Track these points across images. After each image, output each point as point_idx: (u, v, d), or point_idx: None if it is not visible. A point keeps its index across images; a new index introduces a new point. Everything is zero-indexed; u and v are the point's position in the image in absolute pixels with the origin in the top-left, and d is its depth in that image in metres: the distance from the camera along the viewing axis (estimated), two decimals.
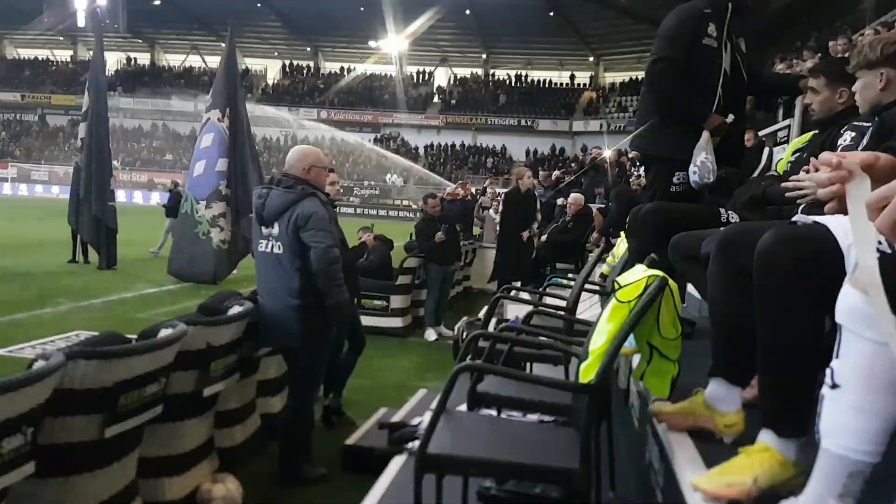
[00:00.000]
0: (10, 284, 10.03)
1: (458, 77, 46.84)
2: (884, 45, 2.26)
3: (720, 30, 3.64)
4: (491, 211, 14.70)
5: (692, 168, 3.52)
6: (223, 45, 13.66)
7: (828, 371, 1.43)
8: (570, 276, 6.49)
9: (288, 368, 4.48)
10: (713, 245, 2.14)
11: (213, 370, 3.68)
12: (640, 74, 29.63)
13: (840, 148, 2.54)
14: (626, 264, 3.54)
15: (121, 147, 40.14)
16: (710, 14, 3.63)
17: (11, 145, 45.16)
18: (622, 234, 5.77)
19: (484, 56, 45.59)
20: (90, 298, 9.43)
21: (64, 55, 49.83)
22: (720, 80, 3.61)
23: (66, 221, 12.37)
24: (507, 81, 45.70)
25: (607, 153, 14.82)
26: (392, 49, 44.02)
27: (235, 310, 3.97)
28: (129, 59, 49.41)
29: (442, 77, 47.17)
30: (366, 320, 6.17)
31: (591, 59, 43.85)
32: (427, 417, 2.53)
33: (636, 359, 2.54)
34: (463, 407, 2.54)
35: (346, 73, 47.51)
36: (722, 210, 3.24)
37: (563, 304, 4.20)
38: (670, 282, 2.21)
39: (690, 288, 3.78)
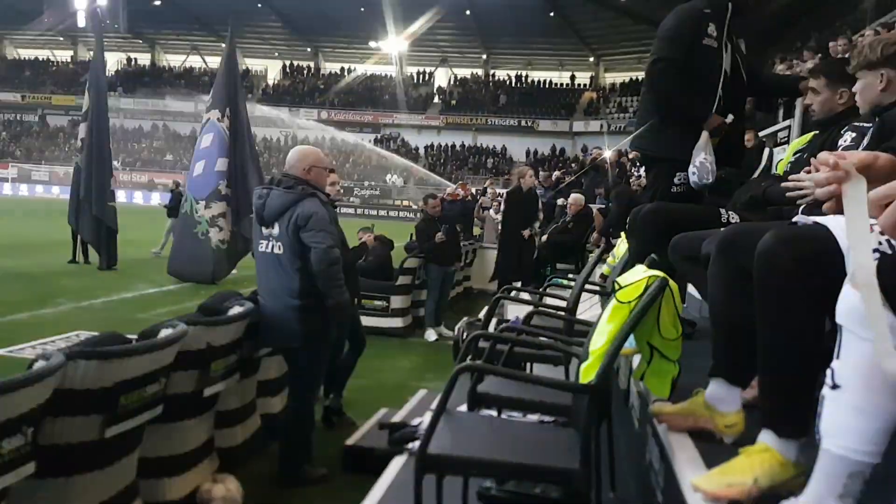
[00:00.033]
0: (10, 285, 10.04)
1: (459, 77, 46.85)
2: (884, 46, 2.26)
3: (720, 30, 3.63)
4: (491, 211, 14.70)
5: (691, 169, 3.52)
6: (223, 45, 13.67)
7: (828, 372, 1.43)
8: (570, 276, 6.50)
9: (288, 369, 4.48)
10: (713, 245, 2.14)
11: (214, 370, 3.68)
12: (641, 75, 29.57)
13: (841, 148, 2.54)
14: (627, 265, 3.54)
15: (121, 147, 40.13)
16: (709, 14, 3.62)
17: (12, 145, 45.18)
18: (622, 234, 5.77)
19: (484, 56, 45.61)
20: (90, 299, 9.43)
21: (64, 55, 49.86)
22: (720, 80, 3.61)
23: (66, 222, 12.37)
24: (508, 82, 45.71)
25: (607, 153, 14.84)
26: (392, 49, 44.03)
27: (236, 310, 3.97)
28: (129, 60, 49.43)
29: (442, 77, 47.18)
30: (366, 321, 6.18)
31: (592, 59, 43.85)
32: (427, 418, 2.53)
33: (636, 359, 2.54)
34: (463, 407, 2.54)
35: (346, 73, 47.53)
36: (722, 210, 3.24)
37: (563, 304, 4.20)
38: (671, 282, 2.21)
39: (691, 288, 3.78)
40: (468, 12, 39.83)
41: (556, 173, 15.67)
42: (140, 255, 13.60)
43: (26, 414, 2.33)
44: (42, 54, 49.67)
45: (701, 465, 1.88)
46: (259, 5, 41.67)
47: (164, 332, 3.22)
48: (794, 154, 3.31)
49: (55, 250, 13.16)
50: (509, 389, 2.63)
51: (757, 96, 5.81)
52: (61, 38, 47.67)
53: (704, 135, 3.53)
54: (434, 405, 2.11)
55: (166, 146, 44.57)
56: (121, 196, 17.36)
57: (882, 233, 1.40)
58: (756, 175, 5.59)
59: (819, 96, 2.94)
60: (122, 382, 2.84)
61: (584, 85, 44.62)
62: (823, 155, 1.36)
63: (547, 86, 45.22)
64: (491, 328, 3.84)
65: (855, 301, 1.33)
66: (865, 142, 2.27)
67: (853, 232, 1.29)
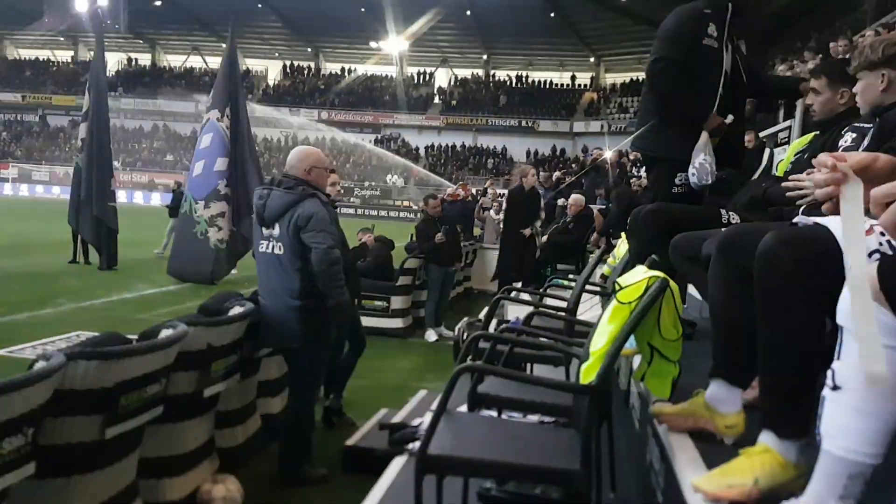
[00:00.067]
0: (10, 285, 10.04)
1: (459, 78, 46.85)
2: (885, 46, 2.26)
3: (720, 30, 3.64)
4: (491, 212, 14.69)
5: (690, 170, 3.52)
6: (224, 45, 13.69)
7: (829, 373, 1.43)
8: (570, 277, 6.49)
9: (288, 369, 4.48)
10: (714, 246, 2.14)
11: (214, 371, 3.68)
12: (641, 75, 29.56)
13: (841, 149, 2.54)
14: (627, 265, 3.54)
15: (121, 148, 40.18)
16: (710, 14, 3.63)
17: (12, 146, 45.19)
18: (623, 235, 5.77)
19: (484, 57, 45.61)
20: (91, 299, 9.43)
21: (65, 56, 49.87)
22: (721, 80, 3.61)
23: (66, 222, 12.36)
24: (508, 82, 45.70)
25: (608, 154, 14.84)
26: (393, 50, 44.04)
27: (236, 310, 3.97)
28: (129, 60, 49.45)
29: (442, 78, 47.18)
30: (366, 321, 6.17)
31: (592, 59, 43.86)
32: (427, 418, 2.53)
33: (637, 360, 2.54)
34: (463, 408, 2.54)
35: (346, 73, 47.54)
36: (722, 211, 3.24)
37: (563, 305, 4.20)
38: (671, 283, 2.21)
39: (691, 289, 3.78)
40: (469, 13, 39.83)
41: (557, 174, 15.68)
42: (140, 256, 13.60)
43: (27, 414, 2.33)
44: (43, 54, 49.67)
45: (701, 466, 1.88)
46: (259, 5, 41.68)
47: (165, 333, 3.22)
48: (795, 155, 3.31)
49: (55, 250, 13.16)
50: (510, 390, 2.63)
51: (757, 97, 5.82)
52: (62, 39, 47.69)
53: (704, 135, 3.53)
54: (434, 406, 2.11)
55: (166, 146, 44.58)
56: (121, 196, 17.34)
57: (883, 233, 1.41)
58: (756, 176, 5.60)
59: (820, 96, 2.94)
60: (123, 383, 2.84)
61: (585, 85, 44.62)
62: (822, 157, 1.36)
63: (547, 86, 45.22)
64: (491, 329, 3.84)
65: None
66: (866, 142, 2.27)
67: (848, 234, 1.30)
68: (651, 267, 2.35)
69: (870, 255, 1.47)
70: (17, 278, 10.63)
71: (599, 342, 2.17)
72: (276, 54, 48.40)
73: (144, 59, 49.70)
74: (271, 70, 48.90)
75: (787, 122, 8.99)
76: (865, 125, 2.46)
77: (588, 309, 4.75)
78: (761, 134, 9.06)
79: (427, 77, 47.13)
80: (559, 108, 42.93)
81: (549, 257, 9.39)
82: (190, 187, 11.55)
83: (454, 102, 44.84)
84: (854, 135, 2.56)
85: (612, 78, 43.92)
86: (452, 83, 46.91)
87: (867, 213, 1.33)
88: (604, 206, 11.43)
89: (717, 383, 2.09)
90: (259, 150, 31.51)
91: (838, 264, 1.51)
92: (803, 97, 3.80)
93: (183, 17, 43.95)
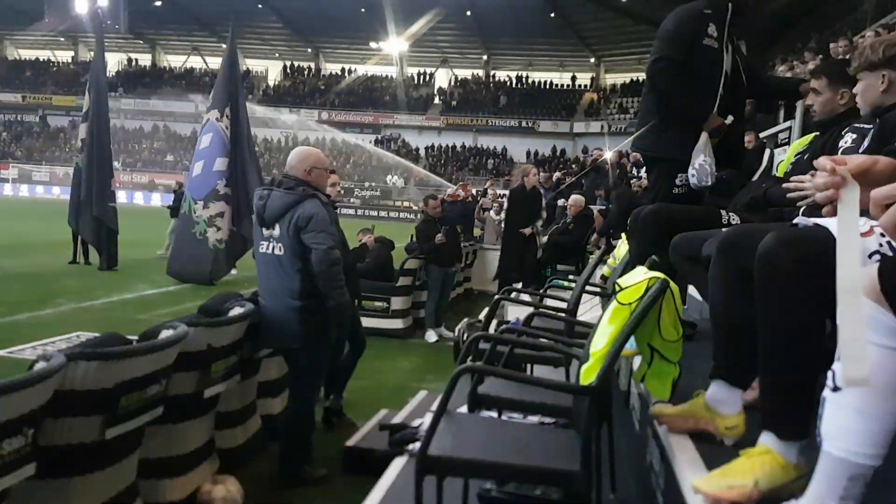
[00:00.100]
0: (10, 285, 10.04)
1: (459, 78, 46.85)
2: (885, 47, 2.26)
3: (721, 30, 3.64)
4: (492, 212, 14.71)
5: (690, 171, 3.52)
6: (224, 46, 13.69)
7: (829, 374, 1.43)
8: (570, 277, 6.50)
9: (289, 370, 4.48)
10: (714, 246, 2.14)
11: (214, 371, 3.68)
12: (641, 76, 29.52)
13: (841, 150, 2.54)
14: (627, 266, 3.54)
15: (121, 148, 40.19)
16: (710, 14, 3.63)
17: (13, 146, 45.19)
18: (623, 235, 5.77)
19: (485, 57, 45.62)
20: (91, 299, 9.43)
21: (65, 56, 49.88)
22: (721, 80, 3.61)
23: (66, 223, 12.36)
24: (508, 83, 45.70)
25: (608, 154, 14.83)
26: (393, 50, 44.05)
27: (236, 311, 3.97)
28: (129, 60, 49.45)
29: (443, 78, 47.18)
30: (366, 322, 6.17)
31: (592, 60, 43.86)
32: (427, 419, 2.53)
33: (637, 361, 2.54)
34: (464, 409, 2.54)
35: (346, 74, 47.55)
36: (723, 212, 3.24)
37: (563, 305, 4.20)
38: (671, 284, 2.20)
39: (691, 290, 3.78)
40: (469, 13, 39.83)
41: (557, 174, 15.67)
42: (141, 256, 13.59)
43: (27, 415, 2.33)
44: (43, 55, 49.68)
45: (701, 467, 1.88)
46: (260, 6, 41.68)
47: (165, 334, 3.22)
48: (795, 156, 3.31)
49: (56, 251, 13.16)
50: (510, 391, 2.63)
51: (757, 98, 5.82)
52: (62, 39, 47.70)
53: (704, 136, 3.53)
54: (434, 406, 2.11)
55: (167, 147, 44.59)
56: (121, 197, 17.35)
57: (883, 234, 1.41)
58: (756, 176, 5.60)
59: (820, 97, 2.94)
60: (123, 383, 2.84)
61: (585, 86, 44.61)
62: (822, 160, 1.37)
63: (547, 87, 45.22)
64: (491, 329, 3.84)
65: None
66: (866, 143, 2.27)
67: (842, 237, 1.31)
68: (651, 268, 2.35)
69: (870, 255, 1.47)
70: (17, 279, 10.63)
71: (599, 343, 2.17)
72: (277, 55, 48.40)
73: (145, 60, 49.70)
74: (271, 70, 48.91)
75: (788, 123, 8.98)
76: (865, 126, 2.46)
77: (588, 310, 4.74)
78: (761, 134, 9.06)
79: (427, 77, 47.13)
80: (559, 109, 42.93)
81: (549, 258, 9.40)
82: (189, 188, 11.57)
83: (454, 103, 44.85)
84: (854, 135, 2.56)
85: (613, 78, 43.92)
86: (452, 83, 46.92)
87: (868, 214, 1.33)
88: (604, 207, 11.43)
89: (717, 384, 2.09)
90: (259, 150, 31.55)
91: None
92: (803, 98, 3.80)
93: (183, 18, 43.96)
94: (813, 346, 1.67)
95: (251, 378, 4.43)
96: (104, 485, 2.89)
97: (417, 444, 2.08)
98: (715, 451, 1.97)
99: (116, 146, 28.64)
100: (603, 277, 6.27)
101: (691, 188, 3.58)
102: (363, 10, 39.99)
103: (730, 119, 3.58)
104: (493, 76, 46.40)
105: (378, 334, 7.69)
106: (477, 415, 2.54)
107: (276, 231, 4.00)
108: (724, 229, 2.62)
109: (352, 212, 34.49)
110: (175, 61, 49.63)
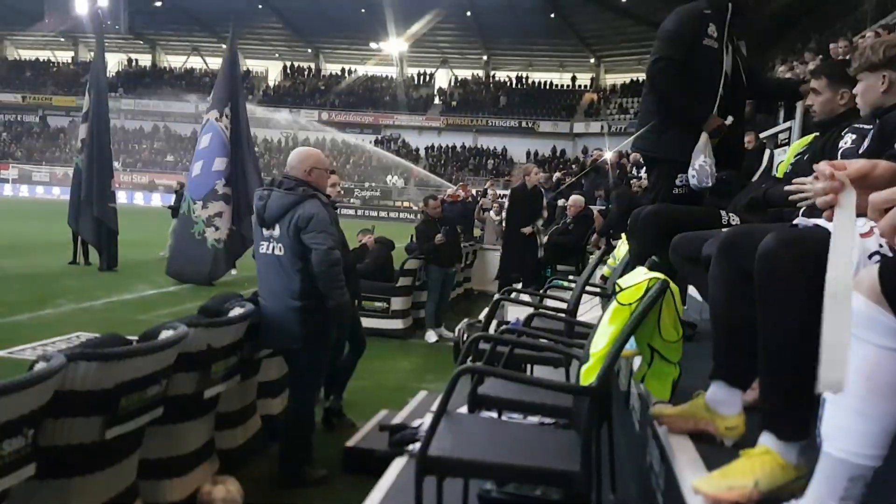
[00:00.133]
0: (10, 285, 10.04)
1: (459, 78, 46.86)
2: (886, 48, 2.26)
3: (721, 31, 3.64)
4: (492, 213, 14.70)
5: (690, 171, 3.53)
6: (224, 46, 13.69)
7: None
8: (570, 278, 6.50)
9: (289, 370, 4.48)
10: (714, 247, 2.14)
11: (214, 372, 3.68)
12: (641, 76, 29.58)
13: (841, 150, 2.54)
14: (627, 266, 3.54)
15: (122, 148, 40.18)
16: (710, 15, 3.63)
17: (13, 146, 45.20)
18: (623, 236, 5.77)
19: (485, 57, 45.62)
20: (91, 300, 9.43)
21: (65, 56, 49.88)
22: (721, 81, 3.61)
23: (66, 223, 12.36)
24: (508, 83, 45.72)
25: (608, 155, 14.82)
26: (393, 50, 44.07)
27: (236, 311, 3.97)
28: (130, 61, 49.46)
29: (443, 78, 47.19)
30: (366, 322, 6.17)
31: (592, 60, 43.87)
32: (427, 419, 2.53)
33: (637, 361, 2.54)
34: (464, 409, 2.54)
35: (346, 74, 47.57)
36: (723, 212, 3.24)
37: (563, 306, 4.20)
38: (671, 284, 2.20)
39: (691, 290, 3.78)
40: (469, 13, 39.84)
41: (557, 174, 15.66)
42: (141, 257, 13.59)
43: (27, 415, 2.33)
44: (43, 55, 49.68)
45: (701, 468, 1.88)
46: (260, 6, 41.70)
47: (165, 334, 3.22)
48: (795, 156, 3.31)
49: (55, 251, 13.16)
50: (510, 391, 2.63)
51: (757, 99, 5.83)
52: (62, 39, 47.70)
53: (704, 136, 3.53)
54: (434, 407, 2.11)
55: (167, 147, 44.59)
56: (121, 197, 17.36)
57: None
58: (756, 177, 5.60)
59: (820, 97, 2.94)
60: (123, 384, 2.84)
61: (585, 86, 44.63)
62: (821, 165, 1.37)
63: (547, 87, 45.24)
64: (491, 330, 3.84)
65: (857, 304, 1.33)
66: (866, 144, 2.27)
67: (836, 241, 1.31)
68: (651, 268, 2.35)
69: (870, 256, 1.47)
70: (17, 279, 10.63)
71: (600, 343, 2.17)
72: (277, 55, 48.41)
73: (145, 60, 49.71)
74: (272, 71, 48.91)
75: (788, 124, 8.98)
76: (865, 126, 2.46)
77: (588, 310, 4.75)
78: (761, 135, 9.07)
79: (427, 78, 47.14)
80: (559, 109, 42.94)
81: (548, 258, 9.40)
82: (189, 188, 11.60)
83: (454, 103, 44.86)
84: (854, 136, 2.55)
85: (613, 79, 43.94)
86: (452, 84, 46.93)
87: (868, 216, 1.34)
88: (604, 207, 11.42)
89: (717, 385, 2.09)
90: (259, 150, 31.57)
91: None
92: (803, 99, 3.80)
93: (183, 18, 43.97)
94: (813, 347, 1.66)
95: (251, 378, 4.43)
96: (104, 485, 2.89)
97: (417, 445, 2.08)
98: (715, 451, 1.97)
99: (116, 146, 28.66)
100: (603, 278, 6.27)
101: (691, 189, 3.58)
102: (363, 10, 40.01)
103: (730, 120, 3.58)
104: (493, 76, 46.41)
105: (378, 335, 7.69)
106: (477, 415, 2.54)
107: (277, 231, 4.00)
108: (724, 230, 2.62)
109: (352, 212, 34.50)
110: (175, 62, 49.64)
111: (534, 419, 2.94)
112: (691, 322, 3.67)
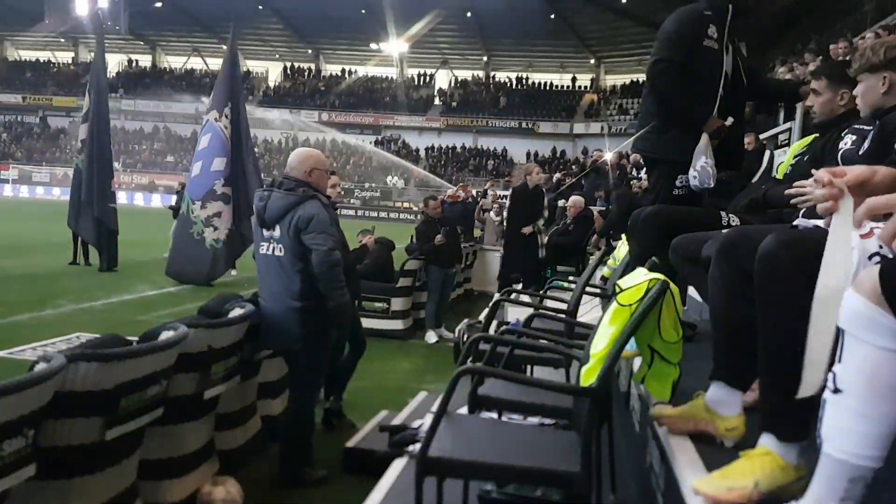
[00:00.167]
0: (10, 286, 10.04)
1: (459, 79, 46.87)
2: (886, 49, 2.26)
3: (721, 32, 3.64)
4: (492, 213, 14.71)
5: (692, 172, 3.52)
6: (224, 47, 13.70)
7: (830, 376, 1.43)
8: (570, 278, 6.50)
9: (289, 371, 4.48)
10: (714, 248, 2.14)
11: (214, 372, 3.68)
12: (641, 77, 29.62)
13: (841, 151, 2.54)
14: (628, 267, 3.54)
15: (122, 149, 40.18)
16: (710, 16, 3.63)
17: (13, 147, 45.20)
18: (623, 236, 5.76)
19: (485, 58, 45.63)
20: (91, 300, 9.43)
21: (65, 57, 49.87)
22: (721, 82, 3.61)
23: (66, 223, 12.36)
24: (508, 84, 45.73)
25: (608, 156, 14.81)
26: (393, 51, 44.08)
27: (236, 312, 3.97)
28: (130, 61, 49.47)
29: (443, 79, 47.20)
30: (366, 322, 6.17)
31: (592, 61, 43.89)
32: (428, 420, 2.53)
33: (637, 362, 2.54)
34: (464, 410, 2.54)
35: (347, 75, 47.58)
36: (723, 213, 3.24)
37: (564, 307, 4.20)
38: (671, 285, 2.20)
39: (691, 291, 3.78)
40: (469, 14, 39.85)
41: (557, 175, 15.66)
42: (141, 257, 13.59)
43: (27, 416, 2.33)
44: (43, 56, 49.69)
45: (701, 468, 1.88)
46: (260, 7, 41.72)
47: (165, 335, 3.22)
48: (794, 157, 3.31)
49: (55, 252, 13.17)
50: (510, 392, 2.63)
51: (757, 100, 5.83)
52: (62, 40, 47.70)
53: (704, 137, 3.53)
54: (434, 407, 2.11)
55: (167, 148, 44.60)
56: (121, 198, 17.37)
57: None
58: (756, 178, 5.60)
59: (820, 97, 2.94)
60: (123, 384, 2.84)
61: (585, 87, 44.64)
62: (821, 173, 1.38)
63: (548, 88, 45.25)
64: (491, 330, 3.84)
65: (857, 305, 1.33)
66: (866, 145, 2.27)
67: (830, 247, 1.32)
68: (651, 269, 2.35)
69: (870, 257, 1.47)
70: (17, 279, 10.63)
71: (600, 344, 2.17)
72: (277, 56, 48.42)
73: (145, 61, 49.71)
74: (272, 71, 48.91)
75: (788, 124, 8.99)
76: (865, 127, 2.46)
77: (588, 311, 4.75)
78: (761, 136, 9.06)
79: (427, 78, 47.15)
80: (559, 110, 42.95)
81: (549, 259, 9.40)
82: (188, 188, 11.63)
83: (454, 104, 44.88)
84: (854, 137, 2.56)
85: (613, 80, 43.95)
86: (453, 85, 46.94)
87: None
88: (604, 208, 11.42)
89: (717, 385, 2.09)
90: (259, 151, 31.55)
91: None
92: (803, 101, 3.80)
93: (183, 19, 43.98)
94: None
95: (251, 379, 4.43)
96: (104, 486, 2.89)
97: (417, 446, 2.08)
98: (715, 452, 1.97)
99: (117, 147, 28.67)
100: (603, 278, 6.26)
101: (691, 189, 3.58)
102: (363, 11, 40.02)
103: (730, 121, 3.59)
104: (494, 77, 46.41)
105: (378, 335, 7.69)
106: (477, 416, 2.54)
107: (277, 232, 4.00)
108: (724, 231, 2.62)
109: (352, 213, 34.50)
110: (175, 62, 49.64)
111: (534, 420, 2.94)
112: (691, 323, 3.68)
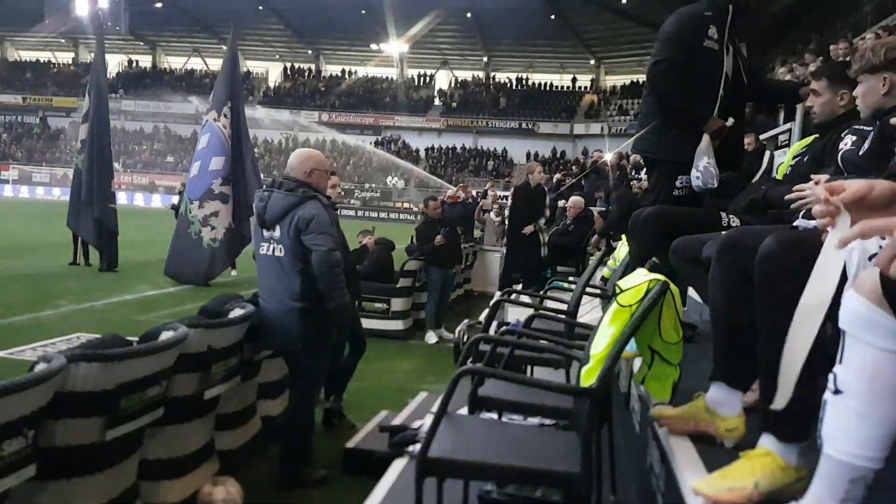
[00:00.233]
0: (11, 286, 10.04)
1: (459, 80, 46.86)
2: (886, 49, 2.26)
3: (721, 32, 3.64)
4: (492, 214, 14.71)
5: (695, 173, 3.52)
6: (224, 47, 13.72)
7: (830, 377, 1.43)
8: (570, 279, 6.50)
9: (289, 371, 4.48)
10: (714, 249, 2.14)
11: (214, 373, 3.68)
12: (642, 77, 29.65)
13: (841, 152, 2.54)
14: (628, 268, 3.54)
15: (122, 149, 40.18)
16: (710, 17, 3.63)
17: (13, 147, 45.20)
18: (623, 237, 5.76)
19: (485, 59, 45.63)
20: (91, 301, 9.43)
21: (65, 57, 49.87)
22: (721, 82, 3.61)
23: (66, 224, 12.36)
24: (508, 84, 45.73)
25: (608, 156, 14.82)
26: (393, 52, 44.07)
27: (236, 312, 3.97)
28: (130, 62, 49.45)
29: (443, 80, 47.19)
30: (366, 323, 6.17)
31: (592, 62, 43.89)
32: (428, 421, 2.53)
33: (637, 362, 2.54)
34: (464, 410, 2.54)
35: (347, 75, 47.57)
36: (723, 214, 3.24)
37: (564, 307, 4.20)
38: (671, 286, 2.21)
39: (692, 291, 3.78)
40: (469, 14, 39.86)
41: (557, 176, 15.67)
42: (141, 257, 13.58)
43: (27, 416, 2.34)
44: (43, 56, 49.69)
45: (702, 469, 1.88)
46: (260, 7, 41.73)
47: (165, 335, 3.22)
48: (794, 158, 3.31)
49: (56, 252, 13.17)
50: (510, 393, 2.63)
51: (757, 100, 5.83)
52: (62, 40, 47.70)
53: (705, 138, 3.54)
54: (435, 408, 2.11)
55: (167, 148, 44.61)
56: (121, 198, 17.38)
57: (883, 237, 1.41)
58: (756, 178, 5.60)
59: (820, 98, 2.94)
60: (123, 385, 2.84)
61: (585, 87, 44.63)
62: (818, 189, 1.39)
63: (548, 88, 45.24)
64: (491, 331, 3.84)
65: (858, 306, 1.33)
66: (866, 146, 2.27)
67: (822, 260, 1.32)
68: (651, 270, 2.35)
69: (870, 258, 1.47)
70: (17, 280, 10.63)
71: (600, 345, 2.17)
72: (277, 56, 48.41)
73: (145, 61, 49.69)
74: (272, 72, 48.89)
75: (788, 125, 8.98)
76: (865, 128, 2.46)
77: (588, 311, 4.75)
78: (761, 136, 9.06)
79: (427, 79, 47.14)
80: (559, 111, 42.95)
81: (549, 259, 9.40)
82: (188, 188, 11.65)
83: (454, 104, 44.87)
84: (854, 137, 2.55)
85: (613, 80, 43.94)
86: (453, 85, 46.93)
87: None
88: (604, 209, 11.42)
89: (717, 386, 2.09)
90: (259, 152, 31.57)
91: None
92: (803, 101, 3.80)
93: (183, 19, 43.98)
94: (813, 349, 1.66)
95: (251, 379, 4.43)
96: (104, 486, 2.89)
97: (418, 446, 2.08)
98: (715, 452, 1.97)
99: (117, 147, 28.71)
100: (603, 279, 6.26)
101: (692, 190, 3.58)
102: (363, 11, 40.03)
103: (730, 121, 3.59)
104: (494, 78, 46.41)
105: (378, 336, 7.69)
106: (477, 416, 2.54)
107: (277, 233, 4.00)
108: (724, 231, 2.62)
109: (352, 213, 34.49)
110: (175, 63, 49.62)
111: (534, 420, 2.93)
112: (691, 323, 3.68)
